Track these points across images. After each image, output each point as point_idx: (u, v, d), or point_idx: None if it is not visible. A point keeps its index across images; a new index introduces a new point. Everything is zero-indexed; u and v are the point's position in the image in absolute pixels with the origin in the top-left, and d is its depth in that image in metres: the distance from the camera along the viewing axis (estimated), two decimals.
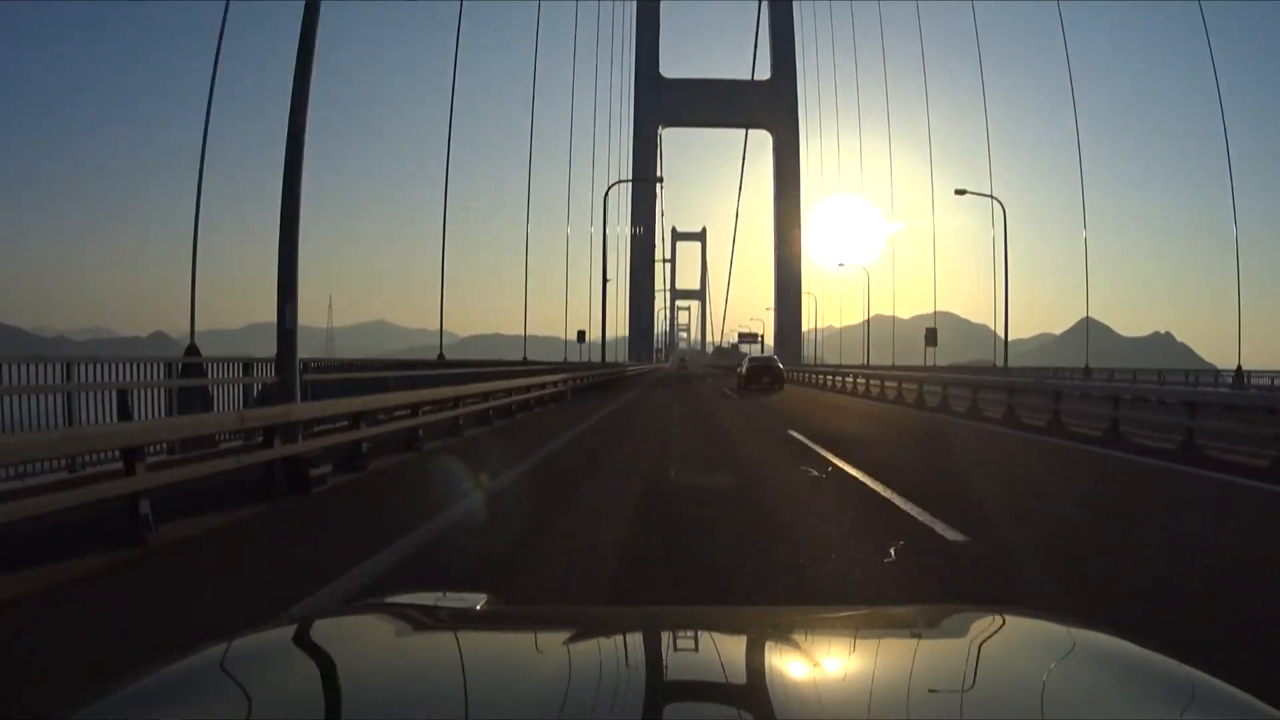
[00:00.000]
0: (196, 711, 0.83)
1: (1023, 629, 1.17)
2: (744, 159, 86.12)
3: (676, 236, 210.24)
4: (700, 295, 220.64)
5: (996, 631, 1.16)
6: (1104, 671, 0.95)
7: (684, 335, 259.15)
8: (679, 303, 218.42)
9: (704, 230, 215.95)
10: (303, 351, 8.00)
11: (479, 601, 1.27)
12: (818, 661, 1.03)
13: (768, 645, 1.10)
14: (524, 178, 31.71)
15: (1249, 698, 0.84)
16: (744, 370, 32.30)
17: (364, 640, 1.10)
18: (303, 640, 1.09)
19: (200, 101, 12.90)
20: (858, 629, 1.25)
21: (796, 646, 1.09)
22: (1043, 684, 0.94)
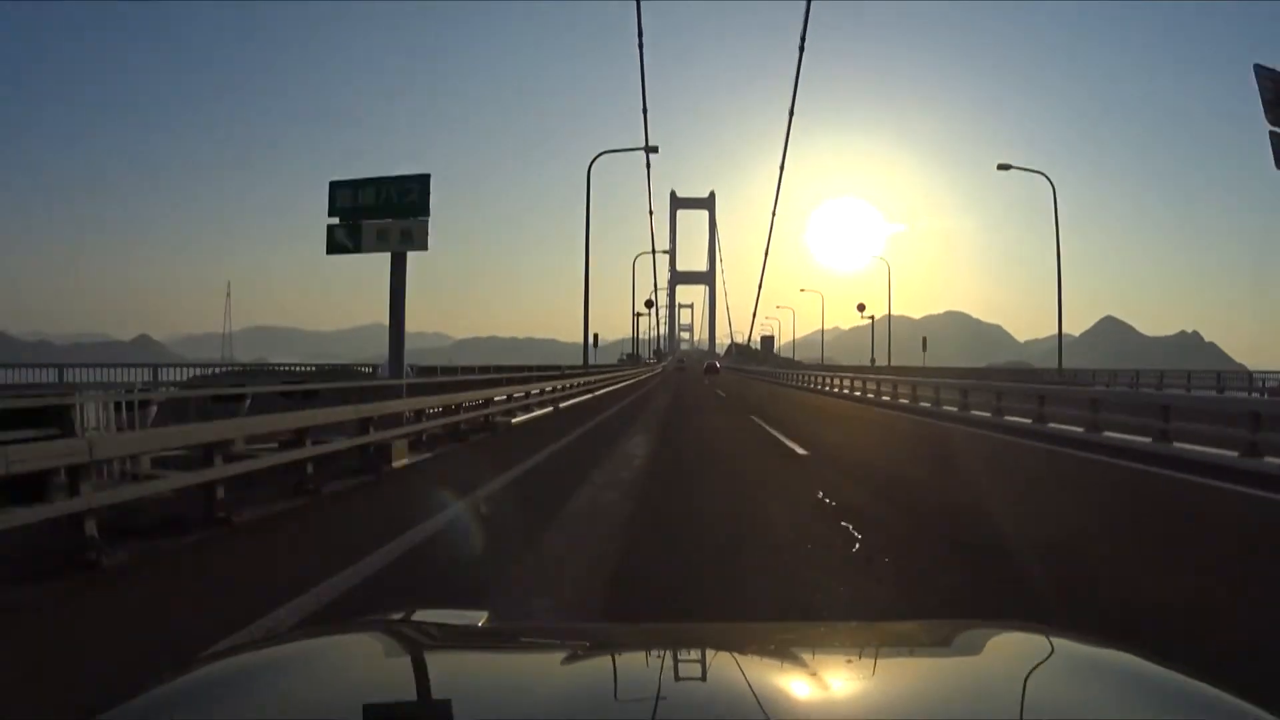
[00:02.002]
0: None
1: (1034, 645, 1.20)
2: None
3: (676, 203, 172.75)
4: (708, 279, 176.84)
5: (1007, 647, 1.20)
6: (1120, 689, 0.97)
7: (685, 336, 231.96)
8: (670, 296, 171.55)
9: (712, 195, 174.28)
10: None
11: (479, 619, 1.31)
12: (824, 679, 1.05)
13: (772, 662, 1.13)
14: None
15: (1262, 712, 0.86)
16: (705, 366, 72.82)
17: (362, 658, 1.13)
18: (298, 658, 1.12)
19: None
20: (866, 645, 1.28)
21: (802, 663, 1.11)
22: (1055, 701, 0.95)
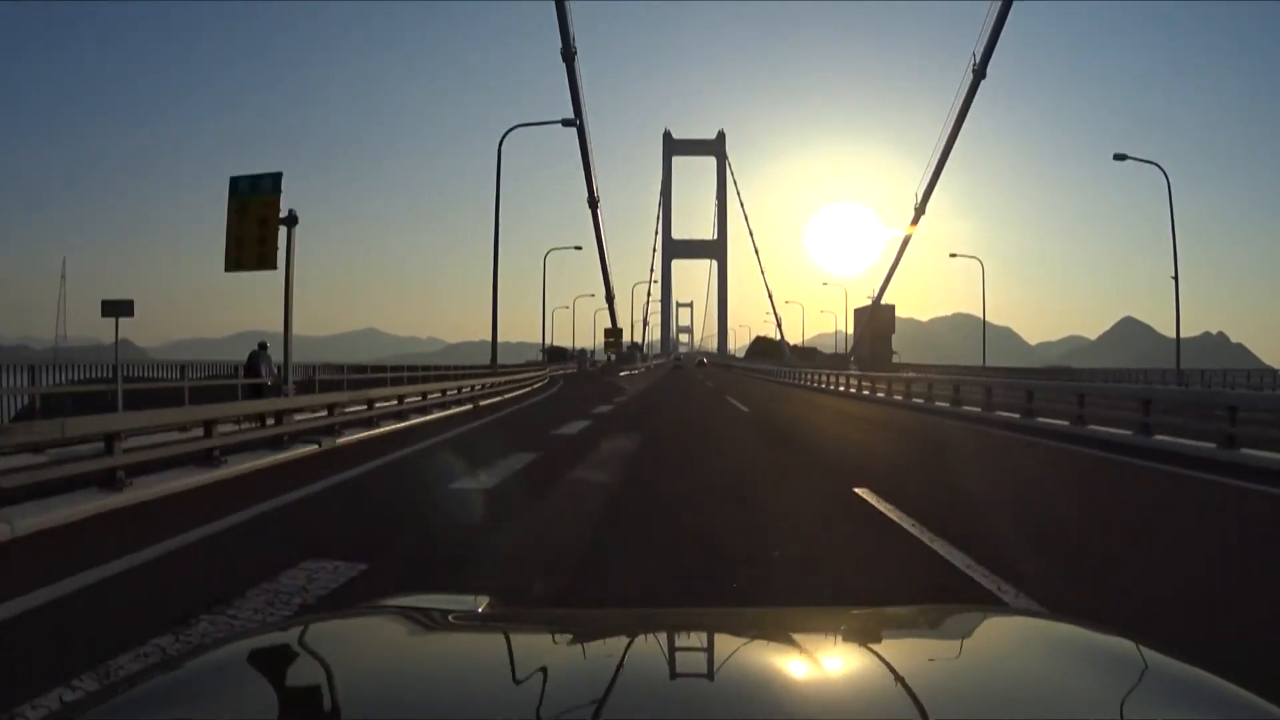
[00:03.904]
0: (198, 714, 0.91)
1: (1027, 629, 1.26)
2: None
3: (672, 146, 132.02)
4: (716, 251, 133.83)
5: (1001, 631, 1.26)
6: (1112, 672, 1.02)
7: (684, 339, 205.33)
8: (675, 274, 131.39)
9: (721, 136, 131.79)
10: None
11: (480, 604, 1.36)
12: (822, 663, 1.10)
13: (770, 647, 1.18)
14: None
15: (1258, 699, 0.91)
16: (695, 361, 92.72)
17: (364, 643, 1.17)
18: (303, 643, 1.16)
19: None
20: (862, 629, 1.32)
21: (800, 648, 1.16)
22: (1048, 684, 1.00)
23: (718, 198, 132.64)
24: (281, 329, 14.02)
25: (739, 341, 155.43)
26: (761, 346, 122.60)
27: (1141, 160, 33.79)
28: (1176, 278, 32.30)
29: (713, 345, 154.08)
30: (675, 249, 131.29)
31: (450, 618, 1.30)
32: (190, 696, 0.93)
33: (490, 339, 29.57)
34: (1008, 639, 1.22)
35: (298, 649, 1.13)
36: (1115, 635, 1.12)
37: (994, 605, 1.37)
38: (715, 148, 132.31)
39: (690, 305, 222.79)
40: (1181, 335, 32.32)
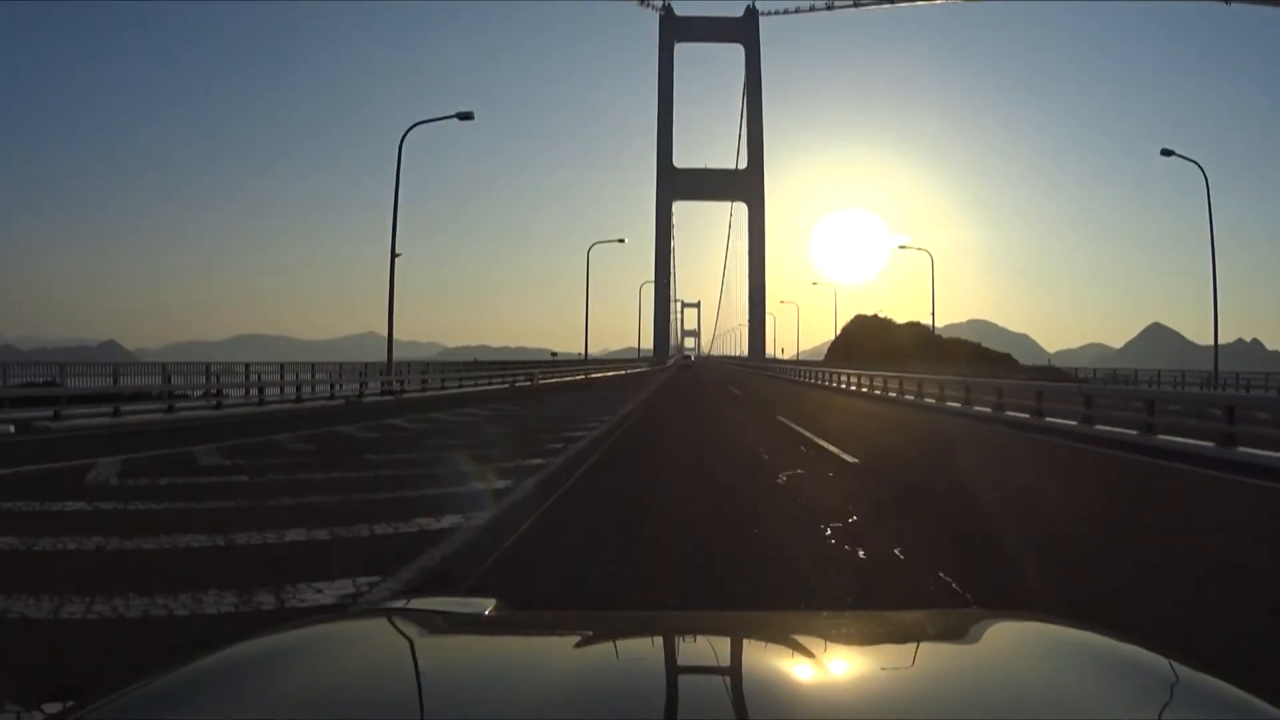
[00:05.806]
0: (205, 715, 0.96)
1: (1033, 633, 1.31)
2: None
3: (674, 32, 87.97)
4: (747, 188, 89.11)
5: (1007, 636, 1.31)
6: (1118, 677, 1.07)
7: (691, 344, 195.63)
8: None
9: (751, 13, 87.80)
10: None
11: (487, 606, 1.41)
12: (827, 667, 1.15)
13: (777, 650, 1.24)
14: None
15: (1258, 701, 0.96)
16: (689, 360, 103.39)
17: (369, 645, 1.24)
18: (308, 645, 1.21)
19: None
20: (869, 634, 1.39)
21: (807, 652, 1.21)
22: (1050, 688, 1.05)
23: (747, 106, 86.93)
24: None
25: (778, 340, 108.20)
26: (868, 333, 69.34)
27: (1183, 157, 33.28)
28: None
29: (730, 347, 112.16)
30: (679, 184, 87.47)
31: (458, 621, 1.35)
32: (193, 697, 0.97)
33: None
34: (1011, 643, 1.27)
35: (302, 651, 1.16)
36: (1117, 639, 1.17)
37: (996, 609, 1.46)
38: (743, 31, 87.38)
39: (697, 305, 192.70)
40: (1209, 343, 31.92)
